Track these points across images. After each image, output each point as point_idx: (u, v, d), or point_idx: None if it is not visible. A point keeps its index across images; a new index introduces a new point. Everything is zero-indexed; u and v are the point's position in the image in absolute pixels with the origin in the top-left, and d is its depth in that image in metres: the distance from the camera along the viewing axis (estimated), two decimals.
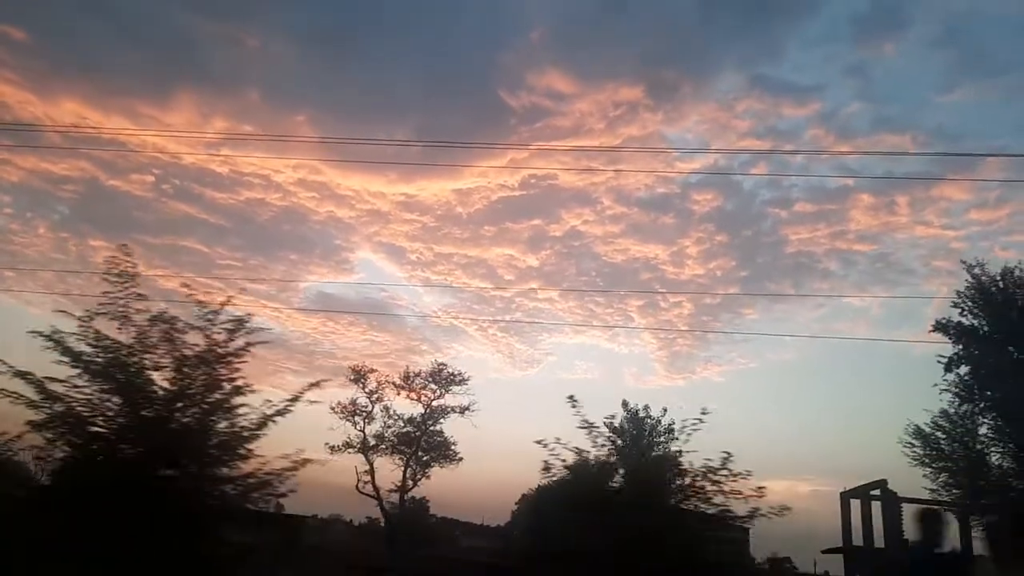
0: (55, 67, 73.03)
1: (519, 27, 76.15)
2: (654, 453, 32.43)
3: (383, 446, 39.12)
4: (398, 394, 41.04)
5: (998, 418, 19.82)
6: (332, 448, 37.49)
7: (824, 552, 28.98)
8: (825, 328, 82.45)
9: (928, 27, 74.52)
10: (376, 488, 38.40)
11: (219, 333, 10.62)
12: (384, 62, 77.17)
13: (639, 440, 32.95)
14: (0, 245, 62.84)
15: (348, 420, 38.39)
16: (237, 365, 10.53)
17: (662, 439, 32.39)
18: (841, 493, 28.43)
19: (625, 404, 33.29)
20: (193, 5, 70.19)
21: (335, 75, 76.15)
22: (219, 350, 10.46)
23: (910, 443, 20.30)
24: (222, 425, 10.39)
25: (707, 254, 77.76)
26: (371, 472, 38.17)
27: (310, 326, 73.26)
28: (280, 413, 10.53)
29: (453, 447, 42.33)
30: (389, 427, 39.02)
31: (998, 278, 20.67)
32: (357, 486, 38.93)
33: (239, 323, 10.78)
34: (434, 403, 40.70)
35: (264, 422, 10.39)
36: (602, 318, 68.45)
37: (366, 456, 38.06)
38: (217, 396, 10.34)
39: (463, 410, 39.72)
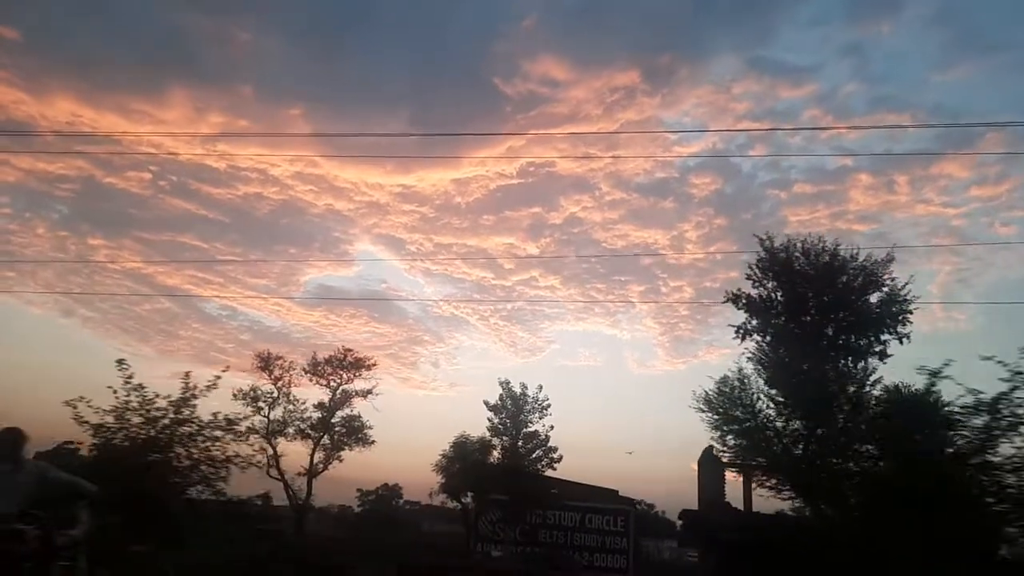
0: (48, 66, 73.57)
1: (512, 14, 75.96)
2: (527, 429, 33.79)
3: (290, 431, 40.16)
4: (312, 381, 42.20)
5: (778, 384, 20.73)
6: (236, 434, 38.58)
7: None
8: None
9: (923, 5, 73.82)
10: (281, 472, 39.49)
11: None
12: (377, 53, 77.33)
13: (516, 417, 34.24)
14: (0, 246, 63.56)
15: (251, 406, 39.39)
16: None
17: (535, 416, 33.77)
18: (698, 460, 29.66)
19: (505, 384, 34.62)
20: (184, 1, 70.45)
21: (329, 67, 76.48)
22: None
23: (700, 409, 21.25)
24: None
25: (707, 238, 77.52)
26: (275, 457, 39.24)
27: (312, 319, 73.84)
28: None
29: (368, 430, 43.52)
30: (292, 412, 39.98)
31: (783, 250, 21.53)
32: (268, 472, 40.16)
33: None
34: (344, 387, 41.84)
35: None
36: (603, 304, 68.70)
37: (269, 441, 39.09)
38: None
39: (366, 393, 40.80)
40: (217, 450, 15.62)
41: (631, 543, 35.58)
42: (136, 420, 15.57)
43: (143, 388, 15.76)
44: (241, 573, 16.92)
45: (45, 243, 68.49)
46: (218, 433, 15.90)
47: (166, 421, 15.65)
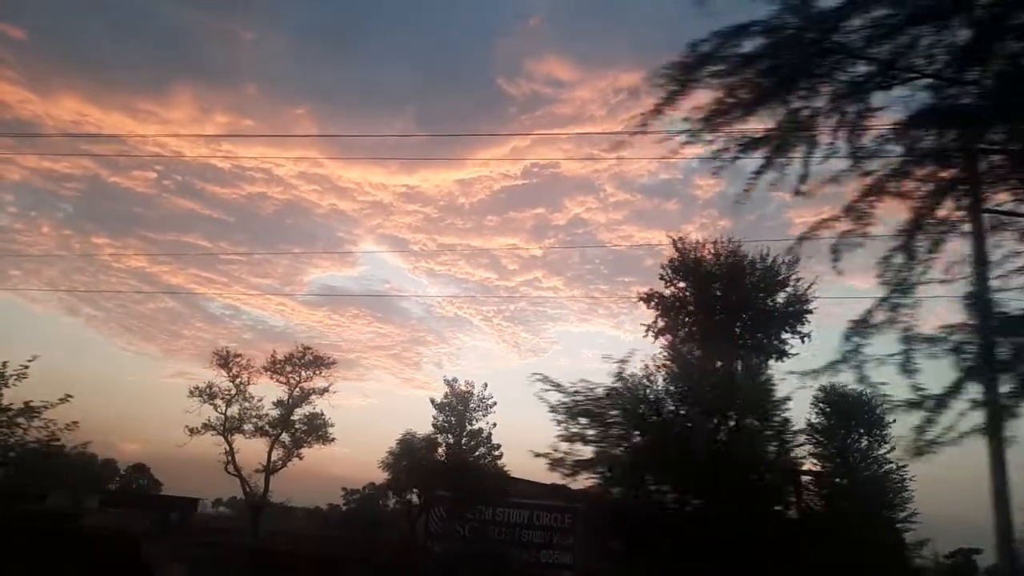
0: (54, 65, 74.16)
1: (517, 14, 75.78)
2: (471, 427, 34.20)
3: (247, 427, 40.65)
4: (271, 378, 42.68)
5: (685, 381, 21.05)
6: (192, 430, 39.13)
7: None
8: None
9: None
10: (238, 468, 40.01)
11: None
12: (383, 53, 77.38)
13: (461, 415, 34.65)
14: (4, 244, 64.14)
15: (208, 403, 39.90)
16: None
17: (479, 413, 34.16)
18: None
19: (451, 382, 35.03)
20: (190, 1, 70.76)
21: (334, 67, 76.75)
22: None
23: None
24: None
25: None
26: (231, 453, 39.76)
27: (315, 319, 74.07)
28: None
29: (329, 428, 44.01)
30: (248, 410, 40.47)
31: (693, 250, 21.88)
32: (226, 468, 40.69)
33: None
34: (303, 385, 42.32)
35: None
36: (606, 305, 68.36)
37: (226, 438, 39.60)
38: None
39: (323, 391, 41.31)
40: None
41: (577, 540, 35.87)
42: None
43: None
44: None
45: (50, 241, 69.20)
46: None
47: None
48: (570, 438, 16.04)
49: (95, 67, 68.31)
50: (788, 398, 18.15)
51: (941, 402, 6.01)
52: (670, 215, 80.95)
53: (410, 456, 33.79)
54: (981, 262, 6.65)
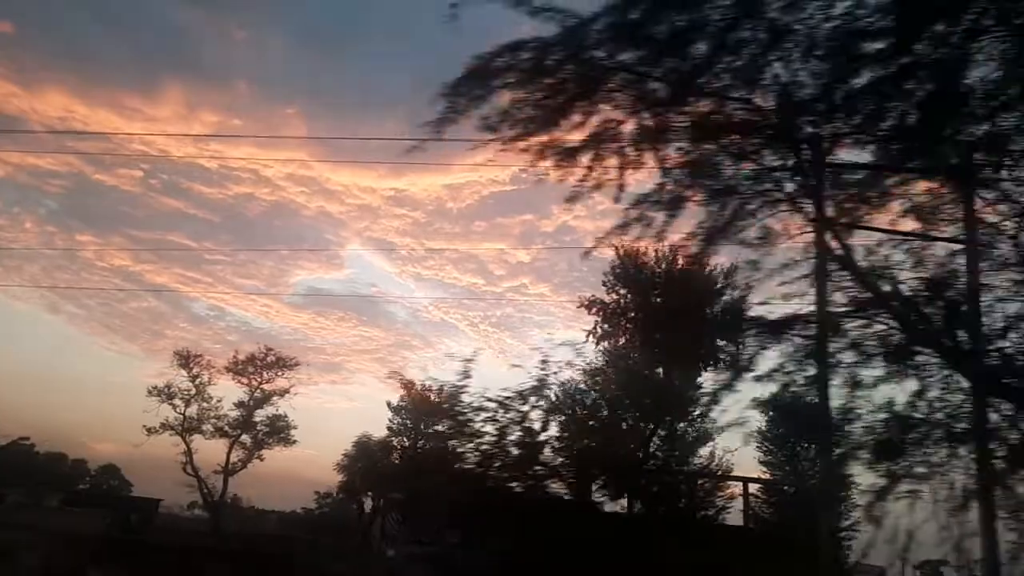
0: (41, 59, 73.54)
1: (510, 19, 75.77)
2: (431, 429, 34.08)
3: (206, 428, 40.45)
4: (234, 379, 42.47)
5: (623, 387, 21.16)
6: (149, 430, 38.90)
7: None
8: None
9: None
10: (195, 469, 39.79)
11: None
12: (374, 56, 77.13)
13: (417, 418, 34.53)
14: None
15: (167, 403, 39.70)
16: None
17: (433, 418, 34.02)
18: None
19: (406, 384, 34.89)
20: None
21: (325, 67, 76.40)
22: None
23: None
24: None
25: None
26: (189, 453, 39.56)
27: (300, 321, 73.79)
28: None
29: (292, 430, 43.87)
30: (207, 410, 40.28)
31: (633, 258, 21.97)
32: (184, 469, 40.43)
33: None
34: (264, 387, 42.14)
35: None
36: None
37: (184, 438, 39.39)
38: None
39: (283, 393, 41.18)
40: None
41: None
42: None
43: None
44: None
45: (33, 238, 68.73)
46: None
47: None
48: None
49: (83, 62, 68.06)
50: (714, 403, 18.17)
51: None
52: (658, 224, 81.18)
53: (366, 459, 33.73)
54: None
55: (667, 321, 21.11)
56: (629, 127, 6.55)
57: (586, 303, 22.42)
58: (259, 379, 41.73)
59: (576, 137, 6.65)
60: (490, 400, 14.32)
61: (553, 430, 18.19)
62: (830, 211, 7.26)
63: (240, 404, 41.65)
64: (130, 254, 64.40)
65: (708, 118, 6.13)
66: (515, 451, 15.26)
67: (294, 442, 43.03)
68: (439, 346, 76.84)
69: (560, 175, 6.84)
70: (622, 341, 21.89)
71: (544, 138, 6.57)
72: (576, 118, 6.43)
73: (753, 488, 23.50)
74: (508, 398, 14.45)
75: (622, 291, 22.16)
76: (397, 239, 78.21)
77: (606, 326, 21.99)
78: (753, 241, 7.30)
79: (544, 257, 75.04)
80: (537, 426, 15.67)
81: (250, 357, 41.64)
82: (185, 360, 40.83)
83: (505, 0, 6.14)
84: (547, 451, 16.10)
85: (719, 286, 21.22)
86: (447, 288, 75.94)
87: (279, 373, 42.32)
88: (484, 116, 6.44)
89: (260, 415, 42.33)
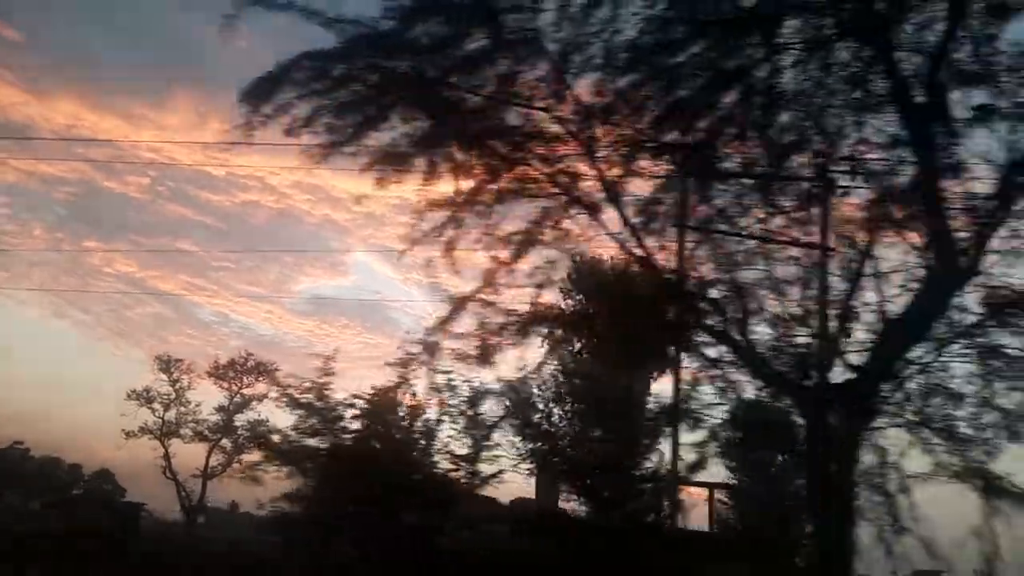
0: (51, 68, 74.23)
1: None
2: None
3: (185, 432, 40.69)
4: (216, 384, 42.67)
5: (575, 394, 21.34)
6: (128, 433, 39.15)
7: None
8: None
9: None
10: (174, 472, 40.02)
11: None
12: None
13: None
14: None
15: (146, 407, 39.96)
16: None
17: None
18: None
19: (380, 390, 35.06)
20: (189, 6, 71.04)
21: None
22: None
23: None
24: None
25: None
26: (167, 457, 39.79)
27: (304, 328, 74.08)
28: None
29: (272, 435, 43.93)
30: (186, 415, 40.52)
31: (588, 264, 22.06)
32: (164, 472, 40.65)
33: None
34: (244, 391, 42.32)
35: None
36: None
37: (162, 442, 39.62)
38: None
39: (262, 398, 41.28)
40: None
41: None
42: None
43: None
44: None
45: (42, 244, 69.40)
46: None
47: None
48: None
49: (93, 70, 68.90)
50: (671, 410, 18.20)
51: None
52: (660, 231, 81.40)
53: None
54: None
55: (625, 327, 21.24)
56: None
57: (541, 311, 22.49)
58: (239, 384, 41.95)
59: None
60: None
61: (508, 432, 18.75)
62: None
63: (220, 408, 41.89)
64: (137, 260, 64.90)
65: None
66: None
67: None
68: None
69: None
70: (577, 346, 21.98)
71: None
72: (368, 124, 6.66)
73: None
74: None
75: (578, 297, 22.26)
76: (402, 245, 78.45)
77: (560, 331, 22.08)
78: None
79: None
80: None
81: (230, 362, 41.90)
82: (166, 364, 41.13)
83: (297, 11, 6.40)
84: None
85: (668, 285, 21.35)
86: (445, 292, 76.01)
87: (259, 378, 42.49)
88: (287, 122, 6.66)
89: (243, 420, 42.42)
